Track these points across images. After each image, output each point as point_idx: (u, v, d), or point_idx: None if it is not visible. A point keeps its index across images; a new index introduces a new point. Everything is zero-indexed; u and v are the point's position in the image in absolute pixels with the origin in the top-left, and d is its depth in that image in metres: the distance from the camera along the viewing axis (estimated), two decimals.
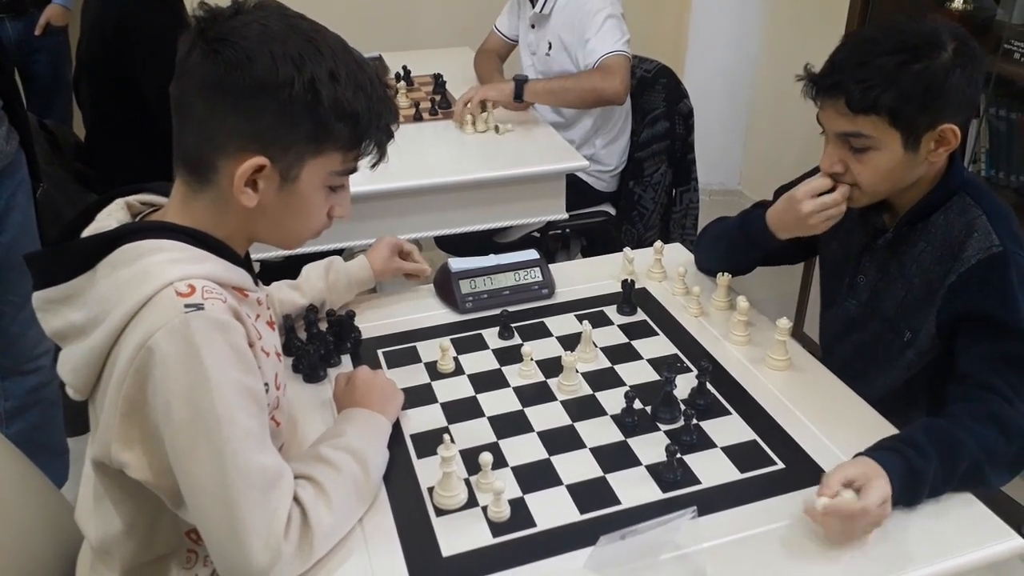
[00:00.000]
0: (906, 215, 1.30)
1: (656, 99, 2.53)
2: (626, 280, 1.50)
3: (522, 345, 1.36)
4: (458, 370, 1.33)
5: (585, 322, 1.36)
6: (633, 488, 1.10)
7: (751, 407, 1.25)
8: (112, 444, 0.93)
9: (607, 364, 1.35)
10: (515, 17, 2.63)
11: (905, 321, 1.31)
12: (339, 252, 1.99)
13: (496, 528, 1.04)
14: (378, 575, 0.97)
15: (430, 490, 1.08)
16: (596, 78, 2.27)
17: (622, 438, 1.19)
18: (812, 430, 1.20)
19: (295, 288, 1.41)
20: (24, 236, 1.73)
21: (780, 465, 1.14)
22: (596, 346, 1.38)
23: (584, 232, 2.61)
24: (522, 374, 1.32)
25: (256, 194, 0.95)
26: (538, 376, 1.32)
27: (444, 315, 1.49)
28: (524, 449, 1.16)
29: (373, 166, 1.03)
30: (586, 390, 1.29)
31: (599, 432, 1.20)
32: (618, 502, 1.08)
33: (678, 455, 1.11)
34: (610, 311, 1.49)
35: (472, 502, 1.07)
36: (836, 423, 1.21)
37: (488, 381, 1.31)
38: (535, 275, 1.53)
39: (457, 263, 1.52)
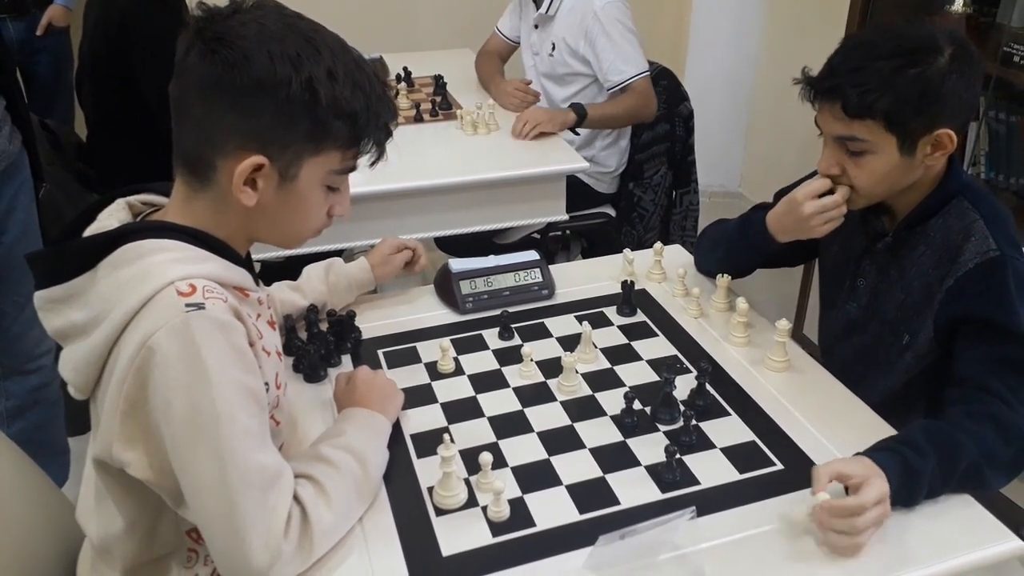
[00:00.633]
0: (905, 219, 1.30)
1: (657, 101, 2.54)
2: (626, 281, 1.50)
3: (522, 346, 1.36)
4: (458, 370, 1.34)
5: (585, 323, 1.37)
6: (632, 488, 1.10)
7: (750, 408, 1.25)
8: (113, 443, 0.93)
9: (607, 365, 1.35)
10: (517, 18, 2.63)
11: (904, 324, 1.31)
12: (340, 253, 2.00)
13: (496, 528, 1.04)
14: (378, 574, 0.97)
15: (430, 490, 1.08)
16: (636, 104, 2.37)
17: (621, 439, 1.19)
18: (811, 431, 1.20)
19: (296, 289, 1.41)
20: (26, 236, 1.73)
21: (779, 466, 1.14)
22: (596, 347, 1.38)
23: (584, 233, 2.62)
24: (522, 374, 1.32)
25: (255, 193, 0.95)
26: (538, 376, 1.32)
27: (444, 315, 1.49)
28: (524, 449, 1.17)
29: (372, 164, 1.03)
30: (586, 391, 1.29)
31: (599, 432, 1.20)
32: (617, 502, 1.08)
33: (677, 456, 1.11)
34: (610, 312, 1.50)
35: (472, 502, 1.07)
36: (835, 424, 1.21)
37: (488, 381, 1.31)
38: (535, 276, 1.53)
39: (457, 264, 1.52)
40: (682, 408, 1.21)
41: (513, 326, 1.43)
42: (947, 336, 1.25)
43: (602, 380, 1.31)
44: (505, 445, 1.17)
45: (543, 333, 1.44)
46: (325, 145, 0.96)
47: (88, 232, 0.98)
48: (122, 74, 2.23)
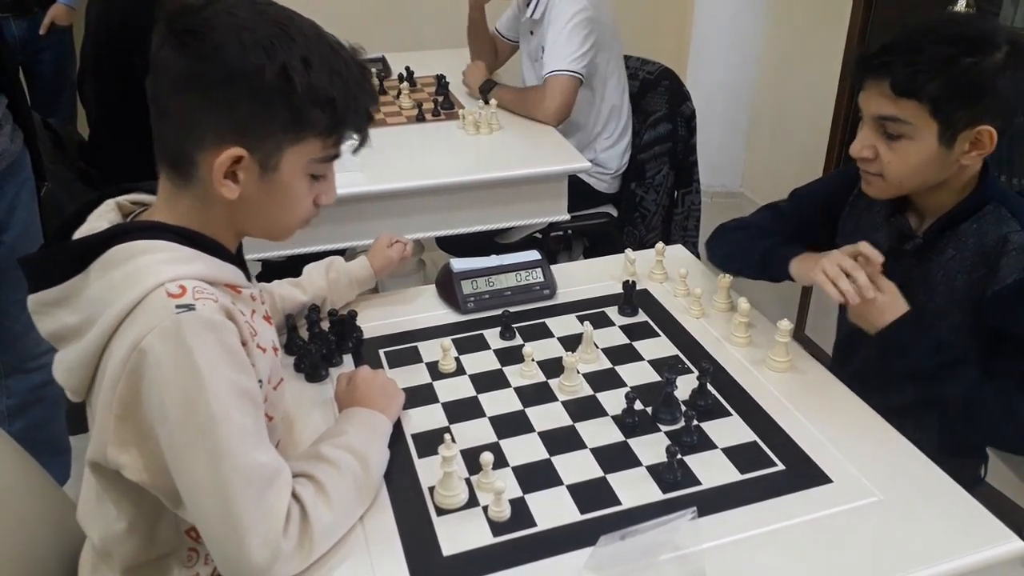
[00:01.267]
0: (938, 221, 1.28)
1: (658, 101, 2.54)
2: (627, 281, 1.50)
3: (523, 345, 1.36)
4: (459, 370, 1.34)
5: (586, 323, 1.36)
6: (633, 488, 1.10)
7: (752, 408, 1.25)
8: (108, 446, 0.93)
9: (608, 365, 1.35)
10: (515, 21, 2.64)
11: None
12: (341, 252, 2.00)
13: (497, 528, 1.04)
14: (379, 574, 0.97)
15: (431, 489, 1.08)
16: (537, 98, 2.34)
17: (623, 439, 1.19)
18: (812, 431, 1.20)
19: (296, 285, 1.41)
20: (28, 235, 1.73)
21: (780, 466, 1.14)
22: (597, 347, 1.38)
23: (586, 233, 2.61)
24: (523, 374, 1.32)
25: (237, 186, 0.94)
26: (539, 376, 1.32)
27: (445, 315, 1.49)
28: (525, 449, 1.17)
29: (355, 151, 1.02)
30: (587, 391, 1.29)
31: (600, 432, 1.20)
32: (618, 502, 1.08)
33: (678, 456, 1.11)
34: (611, 312, 1.50)
35: (473, 502, 1.07)
36: (837, 424, 1.21)
37: (489, 381, 1.31)
38: (537, 276, 1.53)
39: (459, 263, 1.52)
40: (683, 408, 1.21)
41: (514, 326, 1.43)
42: (976, 343, 1.24)
43: (603, 380, 1.31)
44: (506, 445, 1.17)
45: (544, 333, 1.44)
46: (304, 134, 0.95)
47: (78, 234, 0.98)
48: (124, 73, 2.22)
